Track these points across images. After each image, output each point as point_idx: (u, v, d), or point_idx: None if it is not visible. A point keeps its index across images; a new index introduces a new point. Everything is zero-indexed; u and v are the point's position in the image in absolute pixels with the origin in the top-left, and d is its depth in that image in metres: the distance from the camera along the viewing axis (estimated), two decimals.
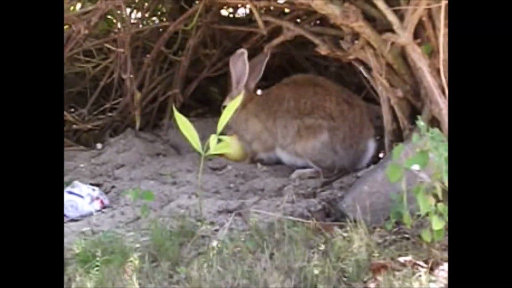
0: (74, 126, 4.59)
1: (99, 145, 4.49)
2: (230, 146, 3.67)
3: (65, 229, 3.42)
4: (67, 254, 3.05)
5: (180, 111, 3.40)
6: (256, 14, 3.74)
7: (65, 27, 4.19)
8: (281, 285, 2.74)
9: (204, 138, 3.34)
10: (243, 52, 4.02)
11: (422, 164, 2.92)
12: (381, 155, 3.89)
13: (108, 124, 4.59)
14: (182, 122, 3.25)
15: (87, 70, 4.61)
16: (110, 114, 4.57)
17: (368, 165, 3.88)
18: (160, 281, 2.84)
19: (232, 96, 4.06)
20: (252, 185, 3.86)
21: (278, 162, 4.12)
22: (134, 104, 4.46)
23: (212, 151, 3.27)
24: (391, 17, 3.28)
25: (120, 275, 2.84)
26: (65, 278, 2.90)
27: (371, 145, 3.92)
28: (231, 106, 3.27)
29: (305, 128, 3.91)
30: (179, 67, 4.49)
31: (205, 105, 4.65)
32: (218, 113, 3.87)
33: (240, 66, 4.05)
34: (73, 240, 3.18)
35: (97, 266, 2.90)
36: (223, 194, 3.73)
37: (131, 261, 2.93)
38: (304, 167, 3.95)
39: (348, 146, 3.88)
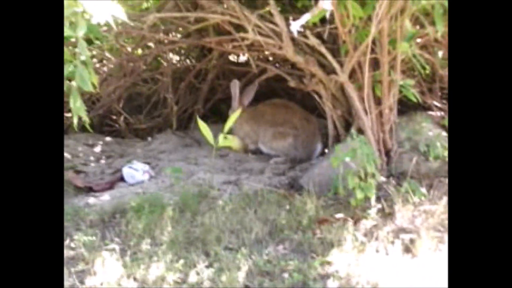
0: (135, 126, 4.54)
1: (149, 139, 4.43)
2: (232, 141, 3.67)
3: (126, 190, 3.38)
4: (126, 206, 3.02)
5: (201, 119, 3.36)
6: (251, 60, 3.70)
7: (130, 64, 4.16)
8: (261, 230, 2.71)
9: (216, 136, 3.32)
10: (235, 82, 4.01)
11: (352, 157, 2.91)
12: (326, 151, 3.85)
13: (155, 126, 4.52)
14: (202, 125, 3.22)
15: (144, 91, 4.54)
16: (157, 119, 4.49)
17: (317, 157, 3.84)
18: (184, 225, 2.81)
19: (232, 109, 4.03)
20: (245, 166, 3.81)
21: (260, 152, 4.04)
22: (172, 114, 4.41)
23: (220, 144, 3.25)
24: (335, 64, 3.26)
25: (159, 220, 2.81)
26: (124, 221, 2.88)
27: (319, 146, 3.89)
28: (232, 117, 3.24)
29: (278, 133, 3.89)
30: (202, 91, 4.44)
31: (217, 116, 4.59)
32: (225, 121, 3.93)
33: (234, 90, 4.01)
34: (131, 198, 3.15)
35: (144, 214, 2.86)
36: (226, 172, 3.68)
37: (166, 212, 2.89)
38: (277, 156, 3.90)
39: (305, 146, 3.86)
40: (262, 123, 3.98)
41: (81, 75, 2.37)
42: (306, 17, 1.93)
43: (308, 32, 3.19)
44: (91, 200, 3.21)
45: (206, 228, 2.72)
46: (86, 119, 2.58)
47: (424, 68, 3.39)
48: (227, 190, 3.27)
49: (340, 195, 3.01)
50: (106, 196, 3.28)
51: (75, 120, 2.57)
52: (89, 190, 3.39)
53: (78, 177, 3.51)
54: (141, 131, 4.55)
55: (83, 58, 2.40)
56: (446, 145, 3.43)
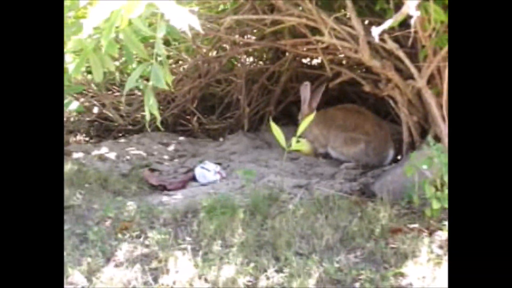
0: (207, 127, 4.58)
1: (221, 139, 4.46)
2: (303, 145, 3.62)
3: (197, 190, 3.41)
4: (198, 206, 3.04)
5: (273, 121, 3.34)
6: (325, 63, 3.65)
7: (205, 65, 4.20)
8: (332, 237, 2.66)
9: (287, 139, 3.29)
10: (307, 84, 3.96)
11: (428, 165, 2.81)
12: (398, 157, 3.75)
13: (227, 126, 4.55)
14: (274, 127, 3.19)
15: (217, 92, 4.58)
16: (229, 120, 4.51)
17: (389, 164, 3.73)
18: (255, 228, 2.80)
19: (302, 112, 4.01)
20: (315, 170, 3.76)
21: (330, 157, 3.97)
22: (244, 115, 4.41)
23: (293, 147, 3.21)
24: (413, 70, 3.16)
25: (230, 222, 2.81)
26: (196, 221, 2.90)
27: (391, 152, 3.78)
28: (306, 120, 3.19)
29: (350, 139, 3.81)
30: (274, 94, 4.42)
31: (288, 118, 4.56)
32: (296, 123, 3.90)
33: (305, 92, 3.96)
34: (202, 198, 3.17)
35: (216, 215, 2.87)
36: (297, 175, 3.65)
37: (237, 214, 2.89)
38: (347, 162, 3.82)
39: (377, 152, 3.77)
40: (333, 127, 3.91)
41: (157, 74, 2.40)
42: (388, 23, 1.86)
43: (386, 36, 3.11)
44: (165, 198, 3.26)
45: (277, 232, 2.69)
46: (158, 117, 2.60)
47: None
48: (297, 194, 3.23)
49: (414, 204, 2.90)
50: (179, 195, 3.33)
51: (147, 118, 2.61)
52: (163, 188, 3.45)
53: (153, 176, 3.58)
54: (213, 131, 4.59)
55: (160, 58, 2.43)
56: None
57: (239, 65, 4.38)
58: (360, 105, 4.19)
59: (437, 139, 3.18)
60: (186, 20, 1.92)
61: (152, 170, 3.75)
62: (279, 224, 2.76)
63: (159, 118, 2.64)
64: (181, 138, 4.47)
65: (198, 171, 3.60)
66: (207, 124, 4.59)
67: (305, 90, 3.97)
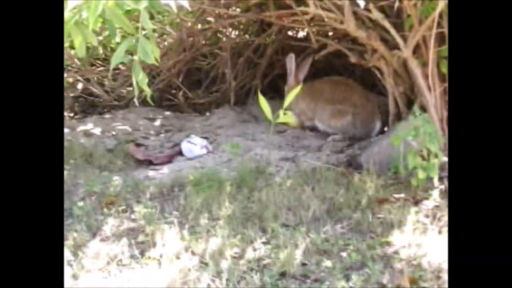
0: (193, 101, 4.54)
1: (207, 113, 4.42)
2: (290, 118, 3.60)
3: (184, 164, 3.40)
4: (184, 180, 3.03)
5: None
6: (311, 34, 3.61)
7: (190, 38, 4.15)
8: (318, 208, 2.66)
9: (273, 112, 3.27)
10: (292, 56, 3.92)
11: (414, 136, 2.80)
12: (385, 129, 3.74)
13: (214, 101, 4.50)
14: (262, 100, 3.17)
15: (203, 66, 4.52)
16: (215, 94, 4.47)
17: (376, 135, 3.73)
18: (242, 200, 2.79)
19: (288, 85, 3.97)
20: (302, 143, 3.75)
21: (317, 129, 3.96)
22: (230, 89, 4.37)
23: (280, 120, 3.19)
24: (398, 39, 3.14)
25: (217, 195, 2.80)
26: (182, 195, 2.89)
27: (378, 124, 3.78)
28: (292, 93, 3.17)
29: (337, 111, 3.80)
30: (260, 67, 4.38)
31: (274, 92, 4.52)
32: (282, 97, 3.82)
33: (291, 64, 3.93)
34: (189, 172, 3.16)
35: (202, 189, 2.86)
36: (284, 148, 3.63)
37: (224, 187, 2.88)
38: (334, 134, 3.81)
39: (364, 124, 3.76)
40: (320, 100, 3.89)
41: (144, 48, 2.35)
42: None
43: (371, 6, 3.07)
44: (151, 173, 3.24)
45: (263, 205, 2.69)
46: (148, 92, 2.56)
47: None
48: (284, 167, 3.22)
49: (400, 174, 2.90)
50: (165, 170, 3.31)
51: (136, 93, 2.57)
52: (149, 163, 3.42)
53: (139, 150, 3.55)
54: (200, 105, 4.54)
55: (145, 32, 2.38)
56: None
57: (224, 38, 4.32)
58: (346, 77, 4.16)
59: (423, 109, 3.18)
60: None
61: (138, 145, 3.72)
62: (266, 196, 2.75)
63: (149, 93, 2.59)
64: (167, 113, 4.43)
65: (185, 146, 3.57)
66: (193, 98, 4.53)
67: (291, 62, 3.93)
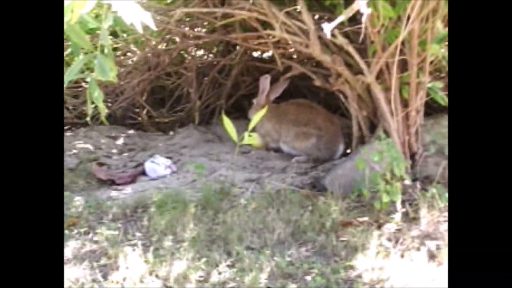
0: (157, 120, 4.53)
1: (171, 133, 4.41)
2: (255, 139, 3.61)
3: (147, 185, 3.37)
4: (148, 201, 3.00)
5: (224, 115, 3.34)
6: (276, 57, 3.65)
7: (155, 58, 4.14)
8: (283, 231, 2.67)
9: (238, 133, 3.29)
10: (267, 76, 3.94)
11: (379, 159, 2.86)
12: (348, 151, 3.80)
13: (178, 120, 4.50)
14: (226, 121, 3.18)
15: (167, 85, 4.52)
16: (180, 113, 4.47)
17: (339, 158, 3.79)
18: (206, 222, 2.78)
19: (257, 103, 4.00)
20: (267, 164, 3.76)
21: (281, 151, 3.99)
22: (195, 108, 4.38)
23: (245, 142, 3.20)
24: (362, 65, 3.20)
25: (181, 217, 2.78)
26: (146, 216, 2.85)
27: (341, 146, 3.83)
28: (258, 115, 3.20)
29: (302, 133, 3.84)
30: (225, 87, 4.41)
31: (239, 112, 4.55)
32: (247, 117, 3.97)
33: (265, 84, 3.95)
34: (153, 192, 3.13)
35: (167, 210, 2.84)
36: (248, 169, 3.64)
37: (189, 209, 2.86)
38: (298, 155, 3.85)
39: (328, 146, 3.81)
40: (285, 122, 3.92)
41: (102, 65, 2.34)
42: (339, 19, 1.88)
43: (336, 31, 3.14)
44: (114, 193, 3.21)
45: (228, 227, 2.68)
46: (103, 110, 2.53)
47: None
48: (249, 188, 3.23)
49: (364, 198, 2.94)
50: (128, 190, 3.28)
51: (89, 111, 2.55)
52: (112, 183, 3.38)
53: (101, 170, 3.51)
54: (163, 124, 4.54)
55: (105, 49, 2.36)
56: None
57: (189, 58, 4.32)
58: (311, 100, 4.21)
59: (386, 133, 3.24)
60: (138, 16, 1.89)
61: (101, 164, 3.67)
62: (230, 218, 2.75)
63: (103, 112, 2.57)
64: (130, 131, 4.40)
65: (148, 166, 3.55)
66: (157, 117, 4.53)
67: (265, 81, 3.96)
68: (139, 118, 4.51)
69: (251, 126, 3.19)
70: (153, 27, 2.05)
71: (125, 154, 4.05)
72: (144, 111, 4.50)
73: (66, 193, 3.11)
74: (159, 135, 4.39)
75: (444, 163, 3.27)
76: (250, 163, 3.79)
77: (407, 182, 2.93)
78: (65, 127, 4.44)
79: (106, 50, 2.40)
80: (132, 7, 1.88)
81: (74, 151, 3.94)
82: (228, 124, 3.18)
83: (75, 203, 2.97)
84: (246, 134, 3.19)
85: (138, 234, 2.69)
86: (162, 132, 4.46)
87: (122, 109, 4.48)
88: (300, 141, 3.87)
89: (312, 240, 2.62)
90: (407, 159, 3.29)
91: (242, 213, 2.81)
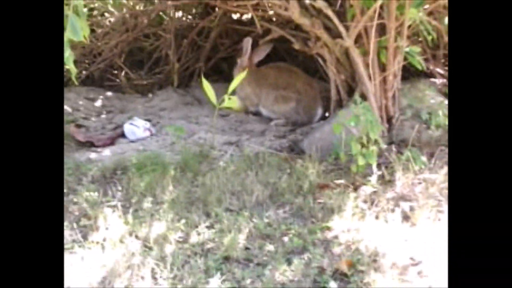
0: (135, 82, 4.49)
1: (150, 95, 4.38)
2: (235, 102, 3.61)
3: (126, 147, 3.37)
4: (127, 163, 3.00)
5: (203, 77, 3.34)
6: (256, 20, 3.62)
7: (133, 19, 4.07)
8: (262, 193, 2.71)
9: (217, 96, 3.29)
10: (249, 39, 3.93)
11: (355, 123, 2.89)
12: (326, 115, 3.82)
13: (156, 82, 4.47)
14: (205, 84, 3.19)
15: (145, 47, 4.47)
16: (158, 76, 4.43)
17: (318, 121, 3.82)
18: (185, 185, 2.80)
19: (240, 65, 4.01)
20: (245, 127, 3.79)
21: (260, 114, 4.01)
22: (174, 71, 4.35)
23: (225, 105, 3.21)
24: (341, 28, 3.20)
25: (161, 179, 2.80)
26: (126, 178, 2.87)
27: (320, 110, 3.86)
28: (237, 78, 3.20)
29: (281, 97, 3.86)
30: (204, 49, 4.37)
31: (218, 74, 4.54)
32: (226, 80, 3.93)
33: (247, 45, 3.94)
34: (132, 155, 3.14)
35: (146, 172, 2.85)
36: (228, 132, 3.66)
37: (168, 171, 2.88)
38: (277, 119, 3.88)
39: (306, 110, 3.84)
40: (264, 86, 3.93)
41: (74, 25, 2.29)
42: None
43: None
44: (93, 155, 3.20)
45: (207, 189, 2.71)
46: (74, 70, 2.48)
47: (430, 35, 3.33)
48: (228, 151, 3.25)
49: (341, 160, 2.99)
50: (107, 152, 3.27)
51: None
52: (90, 145, 3.37)
53: (80, 131, 3.49)
54: (142, 87, 4.49)
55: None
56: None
57: (168, 19, 4.27)
58: (290, 63, 4.21)
59: (364, 97, 3.27)
60: None
61: (79, 126, 3.65)
62: (209, 181, 2.78)
63: (74, 72, 2.51)
64: (109, 93, 4.35)
65: (127, 128, 3.54)
66: (136, 79, 4.48)
67: (247, 43, 3.94)
68: (118, 80, 4.46)
69: (230, 89, 3.18)
70: None
71: (103, 116, 4.02)
72: (123, 73, 4.45)
73: None
74: (137, 97, 4.35)
75: (418, 126, 3.34)
76: (229, 126, 3.80)
77: (383, 145, 2.96)
78: None
79: (78, 10, 2.35)
80: None
81: None
82: (207, 86, 3.17)
83: None
84: (225, 97, 3.18)
85: (117, 195, 2.71)
86: (140, 94, 4.42)
87: (100, 71, 4.43)
88: (279, 104, 3.89)
89: (290, 202, 2.66)
90: (384, 123, 3.34)
91: (221, 176, 2.84)
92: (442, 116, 3.44)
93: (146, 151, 3.24)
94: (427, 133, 3.40)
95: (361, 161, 2.83)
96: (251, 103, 4.02)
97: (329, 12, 3.19)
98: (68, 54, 2.38)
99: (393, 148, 3.21)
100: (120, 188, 2.78)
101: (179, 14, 4.48)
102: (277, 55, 4.50)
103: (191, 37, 4.27)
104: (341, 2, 3.25)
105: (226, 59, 4.53)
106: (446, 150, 3.21)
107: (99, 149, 3.32)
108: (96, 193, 2.66)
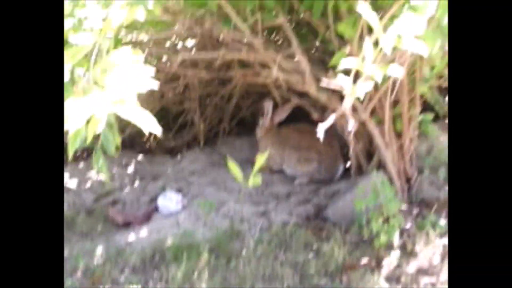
0: (164, 144, 4.67)
1: (179, 156, 4.56)
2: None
3: (161, 224, 3.50)
4: (164, 246, 3.18)
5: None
6: (274, 93, 3.77)
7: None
8: (291, 277, 2.86)
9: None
10: (270, 102, 4.15)
11: (374, 201, 3.02)
12: (349, 169, 3.94)
13: (184, 143, 4.65)
14: (232, 166, 3.31)
15: (172, 111, 4.66)
16: (185, 138, 4.63)
17: (339, 177, 3.99)
18: (220, 271, 2.96)
19: (262, 125, 4.22)
20: (272, 190, 3.93)
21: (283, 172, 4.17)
22: (200, 132, 4.54)
23: (250, 184, 3.35)
24: (357, 104, 3.32)
25: (197, 265, 2.97)
26: (164, 265, 3.04)
27: (341, 167, 4.01)
28: (259, 161, 3.33)
29: (303, 158, 4.01)
30: (227, 111, 4.57)
31: (242, 126, 4.73)
32: (249, 133, 4.22)
33: (268, 107, 4.14)
34: (168, 234, 3.31)
35: (183, 260, 3.02)
36: (254, 197, 3.79)
37: (202, 254, 3.04)
38: (301, 177, 4.04)
39: (328, 169, 3.98)
40: (287, 147, 4.10)
41: (106, 138, 2.42)
42: (332, 118, 2.09)
43: (330, 73, 3.25)
44: (131, 238, 3.37)
45: (241, 276, 2.87)
46: (106, 174, 2.58)
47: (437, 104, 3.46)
48: (257, 224, 3.40)
49: (364, 234, 3.12)
50: (144, 232, 3.45)
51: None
52: (128, 225, 3.56)
53: (118, 213, 3.66)
54: (171, 148, 4.69)
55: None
56: None
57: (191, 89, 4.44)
58: (311, 121, 4.35)
59: (382, 163, 3.41)
60: (144, 120, 2.02)
61: (115, 202, 3.84)
62: (242, 267, 2.93)
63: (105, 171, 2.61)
64: (140, 158, 4.55)
65: (161, 202, 3.72)
66: (164, 141, 4.67)
67: (269, 105, 4.14)
68: (147, 144, 4.66)
69: (254, 169, 3.32)
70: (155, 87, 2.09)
71: (136, 183, 4.21)
72: (152, 136, 4.64)
73: (86, 242, 3.30)
74: (167, 159, 4.54)
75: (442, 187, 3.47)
76: (256, 189, 3.94)
77: (402, 221, 3.08)
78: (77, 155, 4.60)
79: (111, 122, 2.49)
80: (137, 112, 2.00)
81: (88, 185, 4.11)
82: (234, 167, 3.31)
83: (97, 252, 3.15)
84: (251, 176, 3.33)
85: (158, 287, 2.89)
86: (169, 155, 4.61)
87: (129, 136, 4.61)
88: (302, 165, 4.04)
89: (318, 286, 2.81)
90: (402, 184, 3.46)
91: (252, 259, 2.99)
92: None
93: (179, 229, 3.39)
94: (445, 191, 3.52)
95: (383, 238, 2.96)
96: (275, 163, 4.18)
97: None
98: (101, 164, 2.54)
99: (413, 211, 3.34)
100: (159, 277, 2.95)
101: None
102: (300, 112, 4.64)
103: (214, 102, 4.43)
104: (355, 78, 3.36)
105: (248, 117, 4.69)
106: None
107: (136, 228, 3.50)
108: (138, 286, 2.84)
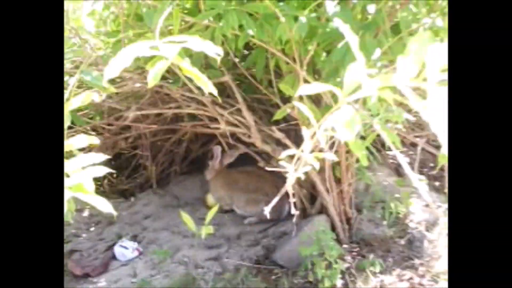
0: (118, 187, 4.82)
1: (132, 199, 4.72)
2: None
3: (119, 273, 3.66)
4: None
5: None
6: (222, 142, 4.00)
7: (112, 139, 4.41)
8: None
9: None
10: (219, 147, 4.39)
11: (317, 249, 3.29)
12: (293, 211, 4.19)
13: (138, 185, 4.80)
14: (184, 217, 3.51)
15: (125, 154, 4.81)
16: (138, 180, 4.77)
17: (286, 215, 4.23)
18: None
19: (211, 167, 4.45)
20: (223, 232, 4.15)
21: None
22: (152, 175, 4.71)
23: (203, 235, 3.56)
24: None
25: None
26: None
27: (287, 206, 4.23)
28: (211, 212, 3.54)
29: (252, 200, 4.27)
30: (178, 155, 4.75)
31: (192, 165, 4.92)
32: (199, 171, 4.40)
33: (217, 151, 4.39)
34: (125, 283, 3.48)
35: None
36: (207, 240, 4.01)
37: None
38: (250, 216, 4.28)
39: (275, 209, 4.13)
40: (236, 190, 4.35)
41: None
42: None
43: (273, 127, 3.52)
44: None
45: None
46: (69, 216, 2.70)
47: None
48: (211, 269, 3.62)
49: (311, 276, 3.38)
50: (102, 282, 3.60)
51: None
52: (87, 275, 3.70)
53: (77, 265, 3.79)
54: (124, 191, 4.84)
55: None
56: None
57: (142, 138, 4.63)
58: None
59: (324, 207, 3.70)
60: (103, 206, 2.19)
61: (72, 251, 3.97)
62: None
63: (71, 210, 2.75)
64: None
65: (118, 250, 3.88)
66: (118, 184, 4.83)
67: (217, 150, 4.39)
68: (101, 187, 4.80)
69: (207, 220, 3.54)
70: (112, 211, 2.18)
71: (92, 229, 4.34)
72: (105, 180, 4.78)
73: None
74: (121, 202, 4.70)
75: (372, 224, 3.79)
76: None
77: (343, 266, 3.36)
78: None
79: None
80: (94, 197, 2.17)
81: None
82: (186, 218, 3.52)
83: None
84: (203, 228, 3.55)
85: None
86: (123, 198, 4.77)
87: None
88: (251, 206, 4.29)
89: None
90: (344, 225, 3.76)
91: None
92: (394, 208, 3.90)
93: (137, 277, 3.57)
94: (383, 227, 3.84)
95: (327, 283, 3.23)
96: (225, 203, 4.42)
97: (287, 141, 3.59)
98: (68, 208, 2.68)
99: (354, 250, 3.64)
100: None
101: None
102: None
103: (165, 147, 4.63)
104: (297, 133, 3.64)
105: (199, 158, 4.90)
106: (399, 247, 3.66)
107: (94, 279, 3.64)
108: None
